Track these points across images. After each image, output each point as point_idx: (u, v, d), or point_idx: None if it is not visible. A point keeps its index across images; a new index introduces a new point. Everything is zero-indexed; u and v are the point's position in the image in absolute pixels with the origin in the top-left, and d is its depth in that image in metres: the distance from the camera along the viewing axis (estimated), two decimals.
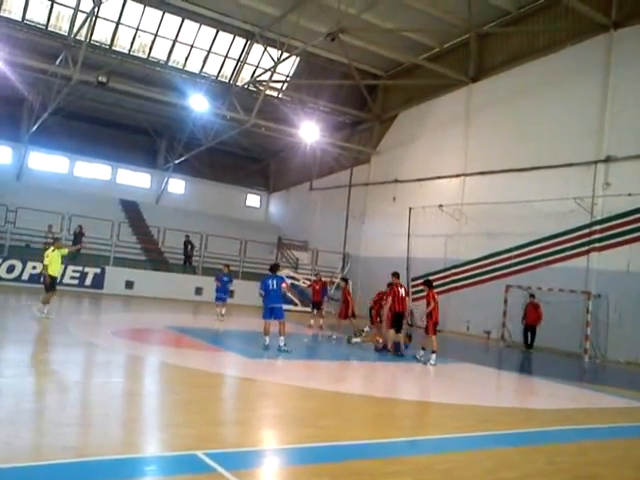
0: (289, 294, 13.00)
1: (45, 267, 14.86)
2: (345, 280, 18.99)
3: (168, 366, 9.98)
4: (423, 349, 13.60)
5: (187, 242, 29.01)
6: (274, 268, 13.21)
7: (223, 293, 18.58)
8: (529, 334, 19.60)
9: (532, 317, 19.44)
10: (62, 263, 15.57)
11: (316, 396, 8.66)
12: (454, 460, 5.95)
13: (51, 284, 14.80)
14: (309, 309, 19.95)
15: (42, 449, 5.08)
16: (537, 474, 5.77)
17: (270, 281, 12.73)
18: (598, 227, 19.61)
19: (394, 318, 13.92)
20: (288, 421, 6.94)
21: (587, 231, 19.87)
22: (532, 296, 19.70)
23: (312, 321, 19.28)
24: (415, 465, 5.63)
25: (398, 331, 14.01)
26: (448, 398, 9.50)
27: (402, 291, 14.37)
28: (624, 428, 8.66)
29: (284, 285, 12.86)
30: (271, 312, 12.74)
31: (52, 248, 15.09)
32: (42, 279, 15.15)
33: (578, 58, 20.96)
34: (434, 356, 13.19)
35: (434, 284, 14.60)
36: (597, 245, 19.60)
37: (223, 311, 18.21)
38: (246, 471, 5.07)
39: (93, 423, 6.05)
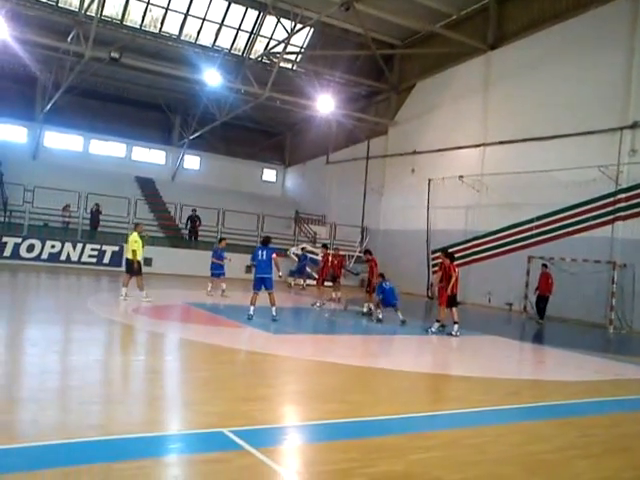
0: (278, 266, 12.73)
1: (134, 253, 14.88)
2: (325, 246, 20.32)
3: (189, 343, 9.93)
4: (437, 321, 13.73)
5: (193, 217, 28.83)
6: (266, 240, 13.31)
7: (222, 268, 18.37)
8: (541, 305, 19.02)
9: (543, 287, 18.95)
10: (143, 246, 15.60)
11: (339, 371, 8.55)
12: (483, 434, 5.82)
13: (139, 268, 15.02)
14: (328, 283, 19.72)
15: (69, 427, 5.03)
16: (569, 447, 5.65)
17: (260, 252, 12.88)
18: (623, 195, 19.16)
19: (450, 298, 13.60)
20: (313, 397, 6.84)
21: (611, 200, 19.43)
22: (545, 266, 19.20)
23: (333, 294, 19.16)
24: (443, 440, 5.52)
25: (454, 307, 13.77)
26: (473, 371, 9.36)
27: (456, 273, 13.83)
28: None
29: (274, 256, 12.86)
30: (261, 282, 12.83)
31: (136, 232, 15.22)
32: (134, 265, 14.96)
33: (602, 21, 20.25)
34: (436, 325, 13.56)
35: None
36: (622, 214, 19.17)
37: (224, 286, 18.05)
38: (273, 448, 4.98)
39: (118, 401, 6.00)
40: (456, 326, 13.25)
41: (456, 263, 13.67)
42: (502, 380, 8.85)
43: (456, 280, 13.61)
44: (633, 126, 19.11)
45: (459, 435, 5.70)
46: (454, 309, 13.54)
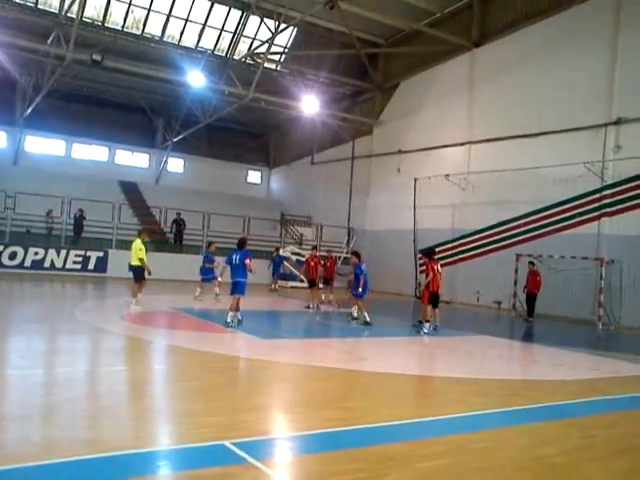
0: (251, 270, 12.24)
1: (141, 260, 14.67)
2: (314, 248, 20.65)
3: (181, 350, 9.74)
4: (426, 321, 13.72)
5: (178, 220, 28.55)
6: (241, 243, 12.82)
7: (212, 272, 18.04)
8: (530, 303, 19.06)
9: (531, 285, 18.93)
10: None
11: (335, 376, 8.43)
12: (488, 438, 5.72)
13: (143, 275, 14.77)
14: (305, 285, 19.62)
15: (62, 444, 4.82)
16: (575, 449, 5.57)
17: (234, 255, 12.41)
18: (609, 192, 19.28)
19: (431, 297, 13.88)
20: (311, 404, 6.70)
21: (597, 196, 19.55)
22: (532, 264, 19.27)
23: (323, 296, 19.01)
24: (450, 445, 5.40)
25: (435, 307, 14.10)
26: (469, 372, 9.27)
27: (438, 270, 14.12)
28: None
29: (247, 261, 12.26)
30: (233, 287, 12.40)
31: (140, 239, 15.02)
32: (136, 271, 14.78)
33: (585, 18, 20.38)
34: (427, 325, 13.57)
35: (439, 255, 14.60)
36: (608, 210, 19.29)
37: (217, 290, 17.68)
38: (278, 461, 4.84)
39: (112, 415, 5.80)
40: (427, 324, 13.53)
41: (444, 262, 13.87)
42: (499, 381, 8.78)
43: (434, 277, 13.77)
44: (617, 122, 19.22)
45: (465, 440, 5.59)
46: (434, 309, 13.85)
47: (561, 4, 21.22)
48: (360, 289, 14.63)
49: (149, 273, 14.84)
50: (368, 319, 14.41)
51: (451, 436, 5.73)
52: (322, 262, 18.75)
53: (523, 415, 6.79)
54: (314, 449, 5.17)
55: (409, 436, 5.69)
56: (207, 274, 18.09)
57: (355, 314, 15.13)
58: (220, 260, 18.47)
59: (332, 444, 5.30)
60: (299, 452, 5.13)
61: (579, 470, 5.01)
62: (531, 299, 18.89)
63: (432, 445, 5.39)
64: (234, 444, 4.95)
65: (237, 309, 12.41)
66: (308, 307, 17.68)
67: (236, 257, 12.36)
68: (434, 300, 13.91)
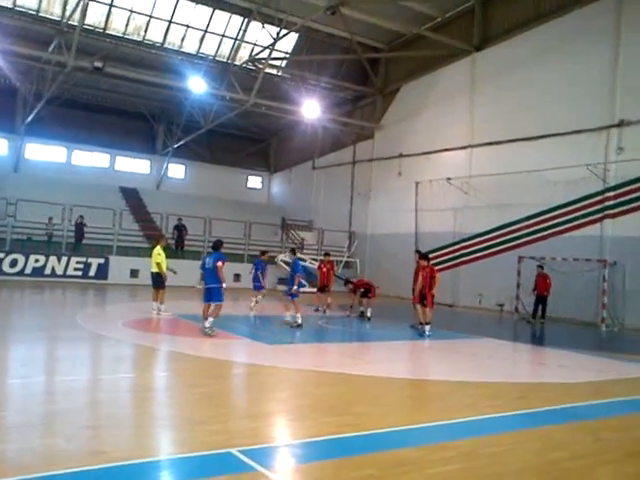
0: (220, 275, 11.55)
1: (159, 265, 14.74)
2: (327, 254, 19.89)
3: (184, 357, 9.65)
4: (427, 323, 13.80)
5: (179, 226, 28.47)
6: (215, 245, 12.12)
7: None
8: (540, 305, 19.18)
9: (541, 288, 18.97)
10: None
11: (341, 381, 8.36)
12: (499, 443, 5.65)
13: (163, 281, 14.80)
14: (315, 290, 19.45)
15: (66, 455, 4.73)
16: (587, 454, 5.51)
17: (207, 259, 11.83)
18: (611, 193, 19.20)
19: (420, 296, 14.09)
20: (319, 410, 6.62)
21: (600, 198, 19.47)
22: (540, 267, 19.29)
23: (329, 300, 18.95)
24: (460, 450, 5.33)
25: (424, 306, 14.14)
26: (476, 376, 9.20)
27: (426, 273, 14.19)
28: None
29: (219, 264, 11.56)
30: (208, 294, 11.77)
31: (160, 246, 15.10)
32: (160, 278, 14.82)
33: (586, 21, 20.32)
34: (428, 327, 13.68)
35: (442, 259, 14.62)
36: (611, 212, 19.22)
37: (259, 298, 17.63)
38: (286, 468, 4.77)
39: (117, 424, 5.71)
40: (428, 327, 13.68)
41: (446, 265, 14.03)
42: (507, 384, 8.70)
43: (423, 278, 13.96)
44: (620, 124, 19.16)
45: (476, 445, 5.51)
46: (420, 307, 13.97)
47: (562, 7, 21.19)
48: (295, 287, 14.16)
49: (162, 282, 14.78)
50: (299, 321, 13.89)
51: (462, 441, 5.66)
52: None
53: (533, 418, 6.73)
54: (323, 456, 5.10)
55: (420, 441, 5.63)
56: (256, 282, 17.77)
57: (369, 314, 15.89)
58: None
59: (342, 450, 5.23)
60: (308, 459, 5.05)
61: (592, 475, 4.95)
62: (541, 301, 18.93)
63: (443, 450, 5.31)
64: (241, 452, 4.88)
65: (214, 315, 11.72)
66: (317, 310, 17.74)
67: (210, 261, 11.71)
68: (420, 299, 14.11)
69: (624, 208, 18.89)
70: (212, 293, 11.69)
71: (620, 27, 19.24)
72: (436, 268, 15.03)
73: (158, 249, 15.02)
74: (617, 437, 6.19)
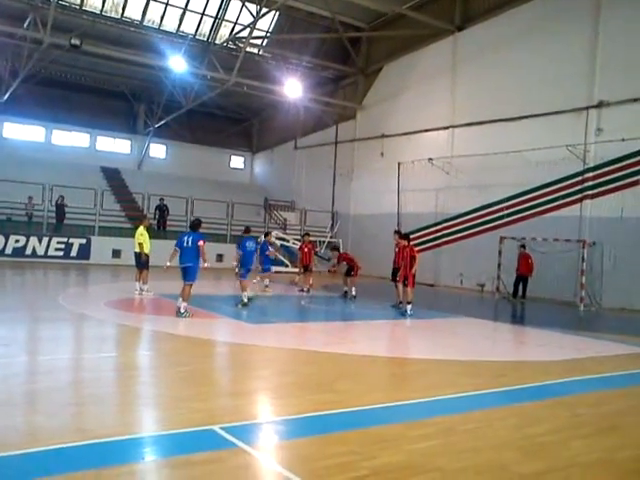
0: (203, 254, 11.38)
1: (141, 246, 14.82)
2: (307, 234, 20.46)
3: (167, 336, 9.69)
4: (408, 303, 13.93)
5: (161, 206, 28.36)
6: (194, 225, 11.94)
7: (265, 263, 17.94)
8: (520, 284, 19.49)
9: (523, 268, 19.30)
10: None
11: (324, 359, 8.44)
12: (478, 419, 5.76)
13: (147, 262, 14.86)
14: (297, 270, 19.61)
15: (52, 432, 4.77)
16: (563, 428, 5.65)
17: (185, 237, 11.55)
18: (591, 174, 19.39)
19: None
20: (302, 388, 6.70)
21: (580, 179, 19.67)
22: (523, 247, 19.57)
23: (297, 278, 19.17)
24: (440, 427, 5.43)
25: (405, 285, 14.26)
26: (457, 354, 9.35)
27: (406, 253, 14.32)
28: (635, 375, 8.62)
29: (201, 243, 11.43)
30: (184, 273, 11.51)
31: (143, 226, 15.16)
32: (140, 259, 14.90)
33: (566, 2, 20.36)
34: (410, 307, 13.78)
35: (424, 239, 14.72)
36: (590, 192, 19.42)
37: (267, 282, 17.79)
38: (268, 445, 4.83)
39: (101, 401, 5.75)
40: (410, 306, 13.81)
41: (428, 246, 14.12)
42: (487, 362, 8.84)
43: (402, 258, 14.19)
44: (599, 105, 19.29)
45: (455, 421, 5.62)
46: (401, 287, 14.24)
47: None
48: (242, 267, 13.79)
49: (145, 262, 14.86)
50: (245, 300, 13.50)
51: (441, 417, 5.77)
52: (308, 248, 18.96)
53: (512, 395, 6.87)
54: (305, 432, 5.17)
55: (400, 418, 5.72)
56: (266, 264, 17.96)
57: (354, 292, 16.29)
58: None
59: (323, 427, 5.30)
60: (290, 436, 5.12)
61: (567, 448, 5.06)
62: (522, 281, 19.27)
63: (423, 427, 5.41)
64: (224, 429, 4.93)
65: (186, 297, 11.47)
66: (302, 291, 17.90)
67: (188, 239, 11.50)
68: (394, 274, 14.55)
69: (603, 189, 19.10)
70: (188, 271, 11.49)
71: (600, 8, 19.27)
72: (416, 248, 15.08)
73: (141, 229, 15.08)
74: (592, 412, 6.34)
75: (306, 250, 18.84)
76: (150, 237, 15.34)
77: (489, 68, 22.98)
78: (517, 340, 12.22)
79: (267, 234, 19.10)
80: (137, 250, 14.96)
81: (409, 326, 12.83)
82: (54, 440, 4.51)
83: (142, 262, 14.88)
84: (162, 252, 18.22)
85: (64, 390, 6.09)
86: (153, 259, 15.10)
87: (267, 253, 17.74)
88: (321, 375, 7.45)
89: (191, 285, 11.51)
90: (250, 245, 13.81)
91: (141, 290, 14.74)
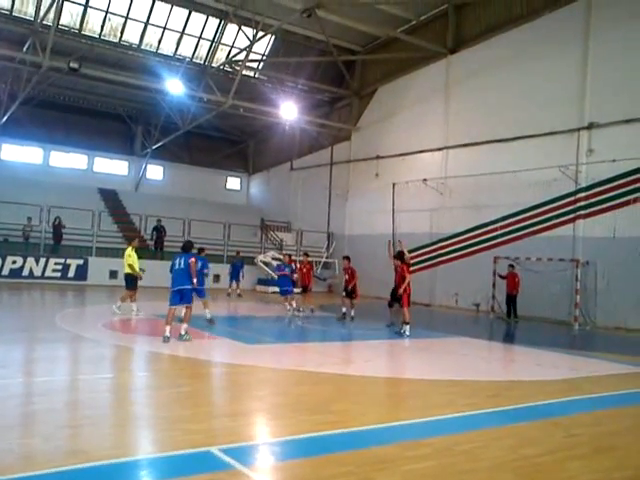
0: (193, 271, 11.03)
1: (130, 266, 15.06)
2: (306, 254, 20.23)
3: (164, 357, 9.71)
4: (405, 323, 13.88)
5: (158, 227, 28.42)
6: (186, 246, 11.53)
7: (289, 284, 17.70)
8: (511, 304, 19.49)
9: (510, 286, 19.38)
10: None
11: (320, 380, 8.47)
12: (474, 440, 5.79)
13: (136, 283, 15.21)
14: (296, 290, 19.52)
15: (48, 455, 4.78)
16: (559, 448, 5.67)
17: (177, 260, 11.15)
18: (583, 194, 19.62)
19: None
20: (298, 408, 6.73)
21: (572, 199, 19.88)
22: (511, 266, 19.69)
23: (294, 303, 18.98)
24: (436, 447, 5.47)
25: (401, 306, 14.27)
26: (452, 374, 9.38)
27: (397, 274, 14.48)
28: (631, 395, 8.63)
29: (192, 260, 11.06)
30: (180, 296, 11.10)
31: (132, 247, 15.38)
32: (131, 280, 15.21)
33: (556, 26, 20.77)
34: (407, 327, 13.72)
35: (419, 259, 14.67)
36: (582, 212, 19.63)
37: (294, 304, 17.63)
38: (265, 466, 4.87)
39: (96, 424, 5.76)
40: (407, 327, 13.73)
41: (423, 266, 14.15)
42: (483, 382, 8.89)
43: (400, 279, 14.13)
44: (589, 127, 19.61)
45: (451, 442, 5.66)
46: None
47: (533, 12, 21.64)
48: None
49: (140, 278, 15.21)
50: (209, 317, 13.78)
51: (437, 438, 5.80)
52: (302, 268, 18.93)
53: (508, 416, 6.90)
54: (302, 453, 5.20)
55: (397, 438, 5.75)
56: (287, 285, 17.64)
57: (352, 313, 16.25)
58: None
59: (321, 448, 5.34)
60: (287, 457, 5.16)
61: (563, 469, 5.10)
62: (510, 300, 19.29)
63: (418, 447, 5.44)
64: (221, 450, 4.96)
65: (187, 320, 11.29)
66: (299, 311, 17.83)
67: (180, 261, 11.13)
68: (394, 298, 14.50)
69: (595, 209, 19.33)
70: (184, 294, 11.13)
71: (589, 32, 19.71)
72: (410, 267, 15.09)
73: (129, 250, 15.33)
74: (588, 432, 6.37)
75: (305, 270, 18.74)
76: (138, 257, 15.58)
77: (482, 90, 23.31)
78: (512, 360, 12.27)
79: (290, 256, 19.14)
80: (127, 271, 15.20)
81: (405, 346, 12.86)
82: (50, 463, 4.51)
83: (131, 282, 15.15)
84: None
85: (60, 412, 6.12)
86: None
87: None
88: (318, 396, 7.49)
89: (190, 308, 11.35)
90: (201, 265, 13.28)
91: (137, 311, 14.98)
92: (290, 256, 19.93)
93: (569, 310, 18.91)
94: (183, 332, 11.16)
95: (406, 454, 5.20)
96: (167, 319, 11.04)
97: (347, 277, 17.36)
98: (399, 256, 14.79)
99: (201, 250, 14.61)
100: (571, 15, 20.32)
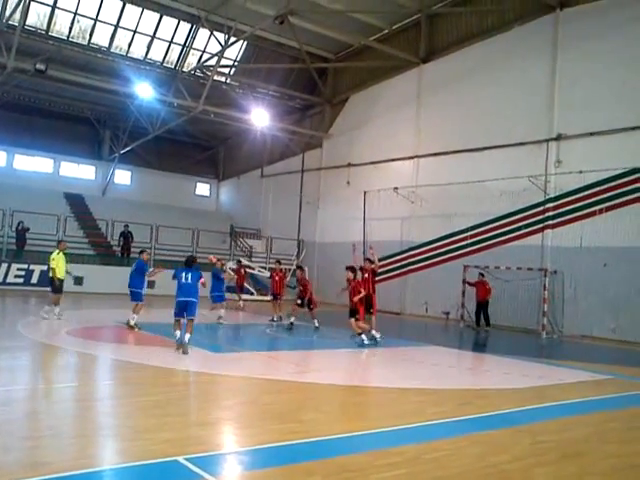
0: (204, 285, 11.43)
1: (53, 270, 14.84)
2: (278, 262, 19.75)
3: (131, 365, 9.51)
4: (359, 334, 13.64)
5: (126, 233, 28.05)
6: (190, 261, 11.67)
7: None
8: (482, 312, 19.50)
9: (481, 293, 19.41)
10: (67, 263, 15.55)
11: (288, 389, 8.40)
12: (442, 448, 5.78)
13: (60, 286, 14.93)
14: (267, 298, 19.39)
15: (10, 467, 4.60)
16: (526, 455, 5.69)
17: (184, 274, 11.31)
18: (551, 205, 19.89)
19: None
20: (267, 417, 6.64)
21: (541, 209, 20.14)
22: (481, 274, 19.83)
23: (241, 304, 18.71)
24: (405, 456, 5.43)
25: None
26: (421, 383, 9.36)
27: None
28: (596, 401, 8.73)
29: (202, 280, 11.41)
30: (184, 307, 11.21)
31: (57, 251, 15.11)
32: (51, 283, 15.03)
33: (526, 38, 21.13)
34: (364, 336, 13.49)
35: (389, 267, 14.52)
36: (551, 222, 19.89)
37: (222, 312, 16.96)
38: (233, 476, 4.77)
39: (59, 434, 5.59)
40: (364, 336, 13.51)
41: (393, 274, 13.97)
42: (452, 391, 8.91)
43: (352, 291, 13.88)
44: (557, 138, 19.91)
45: (420, 450, 5.63)
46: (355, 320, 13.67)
47: (503, 24, 21.97)
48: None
49: (59, 286, 14.96)
50: (132, 323, 13.82)
51: (406, 446, 5.76)
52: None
53: (476, 424, 6.90)
54: (270, 463, 5.12)
55: (366, 447, 5.70)
56: (217, 292, 17.15)
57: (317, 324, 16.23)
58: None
59: (288, 457, 5.26)
60: (254, 466, 5.06)
61: (530, 476, 5.12)
62: (482, 308, 19.38)
63: (387, 456, 5.40)
64: (188, 460, 4.86)
65: (191, 331, 11.23)
66: (272, 320, 17.64)
67: (187, 276, 11.31)
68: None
69: (563, 219, 19.61)
70: (190, 307, 11.21)
71: (557, 44, 20.07)
72: (373, 273, 14.88)
73: (54, 254, 15.14)
74: (554, 439, 6.40)
75: (277, 278, 18.63)
76: (66, 261, 15.41)
77: (453, 100, 23.56)
78: (481, 368, 12.32)
79: (278, 261, 19.13)
80: (50, 275, 15.07)
81: (375, 355, 12.82)
82: (10, 476, 4.36)
83: (56, 287, 14.93)
84: (127, 279, 18.11)
85: (21, 422, 5.93)
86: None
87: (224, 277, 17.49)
88: (285, 404, 7.41)
89: (193, 320, 11.30)
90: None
91: (59, 315, 14.76)
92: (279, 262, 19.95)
93: (537, 319, 19.12)
94: (187, 341, 10.98)
95: (375, 463, 5.15)
96: (175, 326, 11.22)
97: (301, 288, 17.18)
98: (351, 268, 14.47)
99: (142, 252, 15.14)
100: (541, 28, 20.67)
